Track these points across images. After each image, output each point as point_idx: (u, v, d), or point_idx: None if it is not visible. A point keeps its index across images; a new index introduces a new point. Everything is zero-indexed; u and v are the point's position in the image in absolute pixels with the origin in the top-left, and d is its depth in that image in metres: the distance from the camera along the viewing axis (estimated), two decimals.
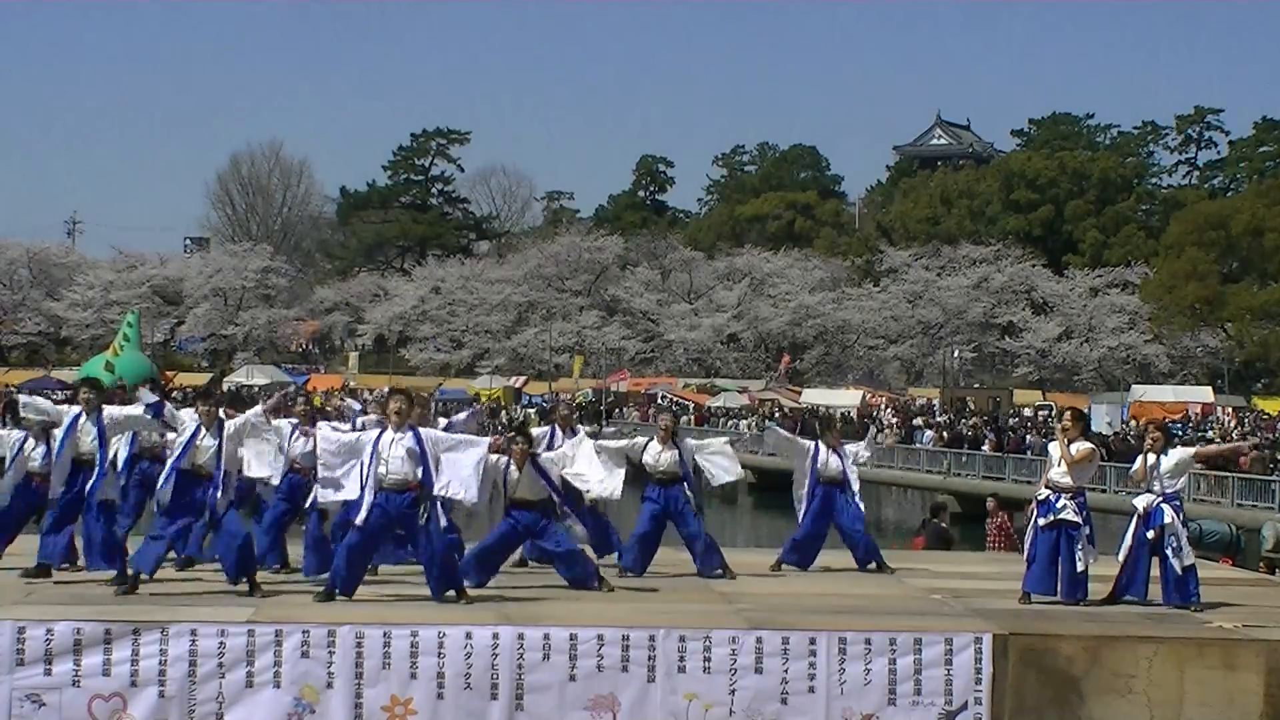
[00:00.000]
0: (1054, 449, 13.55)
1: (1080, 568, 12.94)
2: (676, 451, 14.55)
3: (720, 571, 14.29)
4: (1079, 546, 12.97)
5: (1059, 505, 13.07)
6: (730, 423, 61.92)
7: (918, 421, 54.97)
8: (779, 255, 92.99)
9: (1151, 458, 13.30)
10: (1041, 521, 13.10)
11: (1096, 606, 12.80)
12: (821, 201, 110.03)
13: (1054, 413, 55.64)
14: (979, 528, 39.55)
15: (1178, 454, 13.41)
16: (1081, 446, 13.37)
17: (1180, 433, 45.49)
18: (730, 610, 12.10)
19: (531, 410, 63.03)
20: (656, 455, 14.53)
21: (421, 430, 12.50)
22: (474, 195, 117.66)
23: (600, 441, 14.25)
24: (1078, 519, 13.06)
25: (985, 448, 45.29)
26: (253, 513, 14.34)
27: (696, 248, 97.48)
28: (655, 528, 14.45)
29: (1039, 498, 13.24)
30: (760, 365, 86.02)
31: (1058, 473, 13.22)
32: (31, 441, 13.55)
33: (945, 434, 49.51)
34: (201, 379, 52.86)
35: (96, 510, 13.04)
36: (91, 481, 13.03)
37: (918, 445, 48.32)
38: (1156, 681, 11.11)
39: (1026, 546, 13.31)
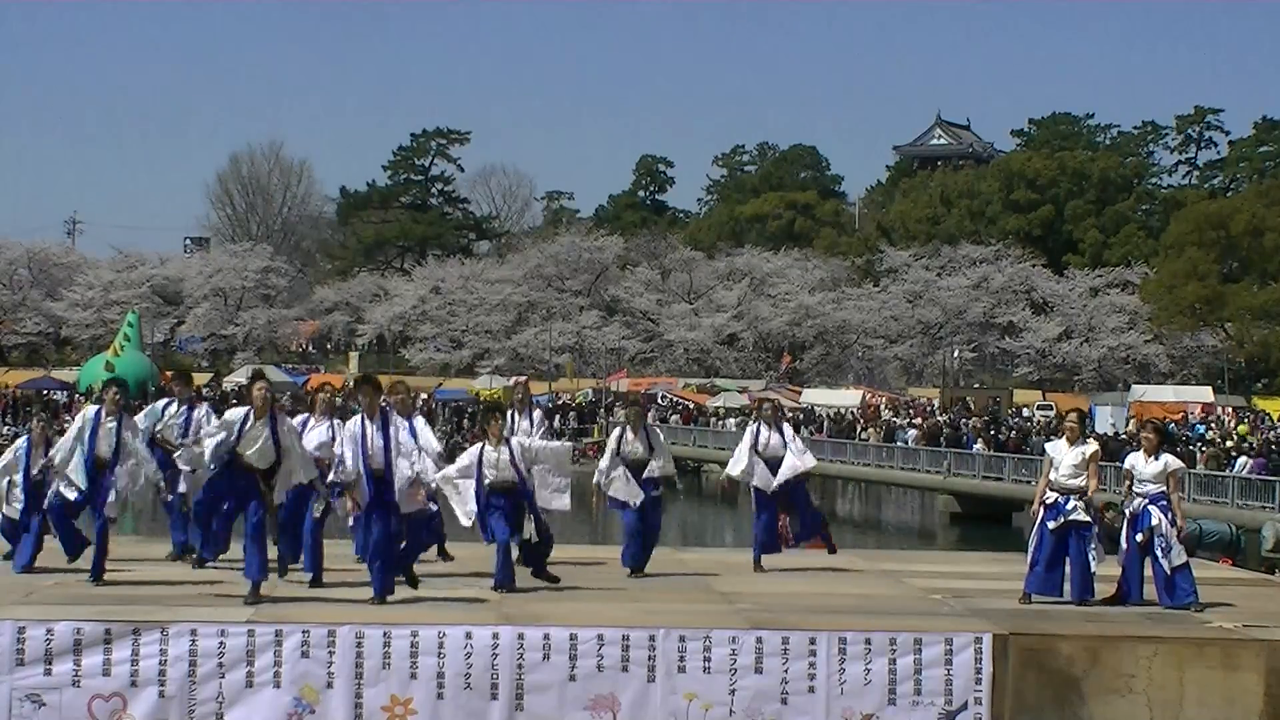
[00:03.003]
0: (1053, 449, 13.48)
1: (1093, 567, 12.93)
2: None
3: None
4: (1090, 546, 12.95)
5: (1069, 507, 13.00)
6: (720, 422, 61.78)
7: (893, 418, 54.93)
8: (779, 255, 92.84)
9: (1140, 460, 13.24)
10: (1051, 525, 13.00)
11: (1097, 607, 12.79)
12: (821, 201, 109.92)
13: (1056, 413, 55.56)
14: (979, 527, 39.75)
15: (1164, 460, 13.17)
16: (1089, 448, 13.34)
17: (1187, 433, 45.50)
18: (730, 610, 12.09)
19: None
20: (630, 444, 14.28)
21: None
22: (474, 195, 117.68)
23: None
24: (1088, 519, 13.03)
25: (978, 446, 45.08)
26: None
27: (696, 248, 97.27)
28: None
29: (1047, 501, 13.13)
30: (760, 365, 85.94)
31: (1064, 474, 13.14)
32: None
33: (925, 432, 49.38)
34: (201, 379, 52.78)
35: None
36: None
37: (897, 444, 47.99)
38: (1156, 681, 11.11)
39: (1031, 549, 13.23)
